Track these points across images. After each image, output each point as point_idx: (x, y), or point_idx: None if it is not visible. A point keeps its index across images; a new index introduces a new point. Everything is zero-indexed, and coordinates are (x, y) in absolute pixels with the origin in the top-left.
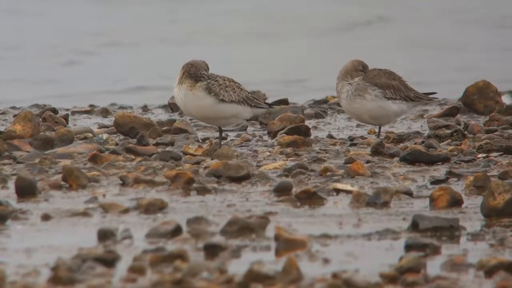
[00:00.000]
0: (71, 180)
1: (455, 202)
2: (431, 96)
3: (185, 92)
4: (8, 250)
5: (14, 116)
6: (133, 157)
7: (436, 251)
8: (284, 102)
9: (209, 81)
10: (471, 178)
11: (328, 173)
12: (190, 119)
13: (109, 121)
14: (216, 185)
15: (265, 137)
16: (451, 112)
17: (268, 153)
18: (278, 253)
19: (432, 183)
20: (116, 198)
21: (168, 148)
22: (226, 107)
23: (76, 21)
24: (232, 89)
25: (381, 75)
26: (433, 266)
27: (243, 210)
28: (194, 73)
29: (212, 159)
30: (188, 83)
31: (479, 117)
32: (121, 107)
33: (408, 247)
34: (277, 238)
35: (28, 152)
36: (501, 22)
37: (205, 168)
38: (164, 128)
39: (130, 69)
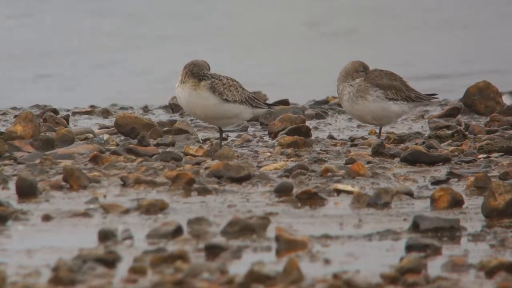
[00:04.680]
0: (72, 181)
1: (456, 202)
2: (431, 97)
3: (189, 92)
4: (9, 250)
5: (15, 116)
6: (134, 157)
7: (436, 251)
8: (285, 102)
9: (213, 80)
10: (472, 178)
11: (329, 174)
12: (191, 120)
13: (109, 121)
14: (216, 186)
15: (266, 138)
16: (452, 112)
17: (268, 154)
18: (279, 253)
19: (433, 183)
20: (116, 199)
21: (168, 149)
22: (230, 106)
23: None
24: (235, 88)
25: (383, 76)
26: (434, 267)
27: (243, 211)
28: (197, 72)
29: (212, 159)
30: (192, 83)
31: (479, 118)
32: (122, 108)
33: (409, 248)
34: (277, 238)
35: (28, 152)
36: None
37: (206, 168)
38: (165, 128)
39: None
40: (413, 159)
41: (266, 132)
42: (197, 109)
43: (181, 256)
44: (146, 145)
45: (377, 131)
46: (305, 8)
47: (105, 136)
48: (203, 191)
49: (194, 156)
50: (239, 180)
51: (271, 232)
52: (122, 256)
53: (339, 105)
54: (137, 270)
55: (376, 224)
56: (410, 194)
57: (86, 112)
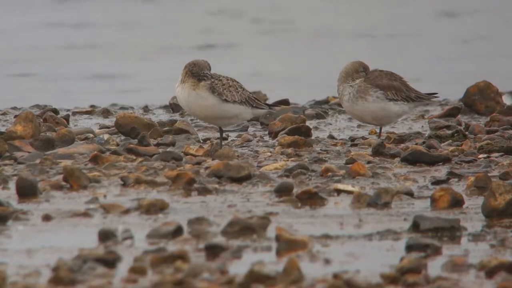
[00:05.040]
0: (72, 181)
1: (456, 202)
2: (432, 96)
3: (188, 91)
4: (9, 250)
5: (15, 116)
6: (134, 157)
7: (437, 251)
8: (285, 102)
9: (212, 80)
10: (472, 178)
11: (329, 174)
12: (191, 120)
13: (110, 121)
14: (217, 186)
15: (266, 138)
16: (452, 112)
17: (269, 154)
18: (279, 253)
19: (433, 183)
20: (117, 199)
21: (169, 149)
22: (229, 107)
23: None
24: (235, 89)
25: (383, 76)
26: (434, 267)
27: (244, 211)
28: (197, 72)
29: (213, 159)
30: (191, 82)
31: (480, 118)
32: (122, 108)
33: (409, 248)
34: (278, 238)
35: (29, 152)
36: None
37: (206, 168)
38: (165, 128)
39: None
40: (413, 159)
41: (267, 132)
42: (196, 109)
43: (181, 256)
44: (146, 145)
45: (378, 131)
46: (305, 7)
47: (105, 136)
48: (204, 191)
49: (195, 156)
50: (239, 180)
51: (271, 232)
52: (122, 256)
53: (340, 105)
54: (137, 270)
55: (376, 224)
56: (410, 194)
57: (86, 112)
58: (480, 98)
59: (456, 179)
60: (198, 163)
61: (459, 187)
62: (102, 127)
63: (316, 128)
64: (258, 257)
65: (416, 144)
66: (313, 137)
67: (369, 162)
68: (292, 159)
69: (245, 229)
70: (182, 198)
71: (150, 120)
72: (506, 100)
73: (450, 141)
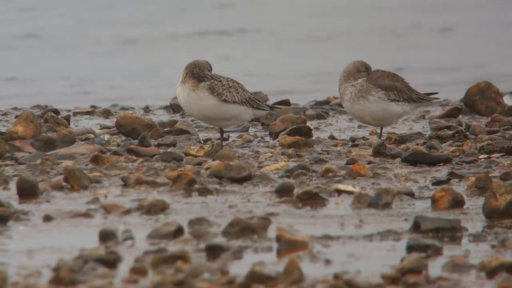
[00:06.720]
0: (73, 181)
1: (457, 203)
2: (433, 97)
3: (188, 92)
4: (9, 251)
5: (16, 117)
6: (135, 158)
7: (437, 252)
8: (286, 103)
9: (212, 81)
10: (473, 179)
11: (330, 174)
12: (192, 120)
13: (110, 122)
14: (217, 186)
15: (267, 138)
16: (453, 113)
17: (269, 154)
18: (279, 254)
19: (434, 184)
20: (117, 199)
21: (169, 149)
22: (229, 107)
23: None
24: (235, 89)
25: (384, 77)
26: (435, 267)
27: (244, 211)
28: (197, 73)
29: (213, 160)
30: (191, 83)
31: (480, 118)
32: (123, 108)
33: (410, 248)
34: (278, 239)
35: (29, 153)
36: None
37: (207, 169)
38: (166, 129)
39: None
40: (414, 160)
41: (267, 133)
42: (195, 109)
43: (182, 257)
44: (147, 145)
45: (378, 131)
46: (304, 7)
47: (106, 137)
48: (204, 192)
49: (195, 156)
50: (240, 181)
51: (272, 232)
52: (123, 257)
53: (340, 105)
54: (138, 271)
55: (377, 224)
56: (411, 194)
57: (87, 113)
58: (481, 98)
59: (456, 180)
60: (199, 164)
61: (459, 187)
62: (103, 127)
63: (316, 128)
64: (258, 257)
65: (417, 144)
66: (313, 138)
67: (369, 163)
68: (293, 159)
69: (245, 229)
70: (182, 199)
71: (151, 121)
72: (507, 101)
73: (451, 141)
